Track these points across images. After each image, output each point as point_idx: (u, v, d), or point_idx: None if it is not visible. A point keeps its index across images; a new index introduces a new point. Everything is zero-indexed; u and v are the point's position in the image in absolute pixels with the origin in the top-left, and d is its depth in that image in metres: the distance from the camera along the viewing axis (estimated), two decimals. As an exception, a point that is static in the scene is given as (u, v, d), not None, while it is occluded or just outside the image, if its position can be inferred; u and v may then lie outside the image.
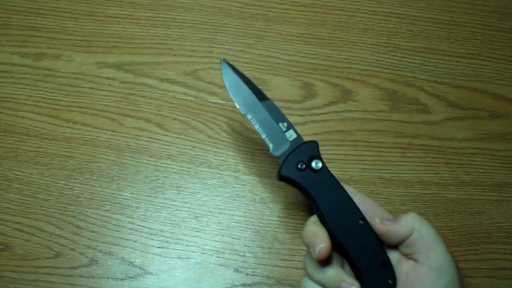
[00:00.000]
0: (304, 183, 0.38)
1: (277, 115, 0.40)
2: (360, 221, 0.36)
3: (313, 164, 0.38)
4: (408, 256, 0.36)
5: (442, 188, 0.48)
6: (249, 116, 0.40)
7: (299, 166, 0.38)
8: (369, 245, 0.36)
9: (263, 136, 0.40)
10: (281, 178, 0.39)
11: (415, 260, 0.36)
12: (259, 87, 0.51)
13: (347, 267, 0.38)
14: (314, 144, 0.39)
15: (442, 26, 0.54)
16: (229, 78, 0.41)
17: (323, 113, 0.50)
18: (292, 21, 0.53)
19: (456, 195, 0.48)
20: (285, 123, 0.40)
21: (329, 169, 0.38)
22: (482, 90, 0.52)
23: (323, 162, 0.38)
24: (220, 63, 0.41)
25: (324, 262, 0.36)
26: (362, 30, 0.53)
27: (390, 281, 0.35)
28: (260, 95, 0.41)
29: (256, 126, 0.40)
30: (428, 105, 0.51)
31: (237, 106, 0.41)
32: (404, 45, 0.53)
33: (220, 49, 0.52)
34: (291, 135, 0.40)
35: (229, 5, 0.54)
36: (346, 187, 0.39)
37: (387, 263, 0.36)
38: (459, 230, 0.46)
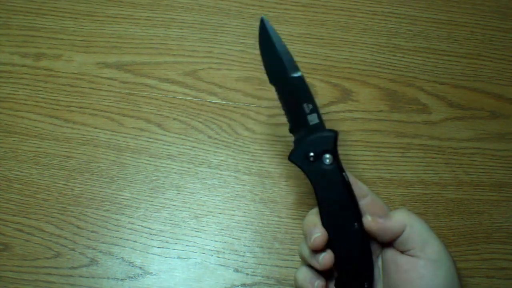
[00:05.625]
0: (310, 174, 0.37)
1: (304, 94, 0.37)
2: (354, 225, 0.36)
3: (324, 158, 0.36)
4: (404, 252, 0.36)
5: (442, 188, 0.48)
6: (275, 87, 0.38)
7: (310, 156, 0.36)
8: (355, 250, 0.36)
9: (285, 111, 0.38)
10: (290, 161, 0.37)
11: (411, 256, 0.36)
12: (258, 87, 0.51)
13: None
14: (332, 136, 0.36)
15: (442, 26, 0.54)
16: (264, 41, 0.38)
17: (323, 113, 0.50)
18: (292, 21, 0.53)
19: (456, 195, 0.48)
20: (310, 105, 0.37)
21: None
22: (482, 90, 0.52)
23: (335, 158, 0.36)
24: (259, 20, 0.38)
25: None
26: (362, 30, 0.53)
27: (365, 284, 0.36)
28: (292, 69, 0.37)
29: (280, 100, 0.38)
30: (428, 105, 0.51)
31: (266, 74, 0.38)
32: (404, 45, 0.53)
33: (220, 49, 0.52)
34: (313, 119, 0.37)
35: (229, 5, 0.54)
36: (361, 186, 0.38)
37: (369, 268, 0.36)
38: (459, 230, 0.46)
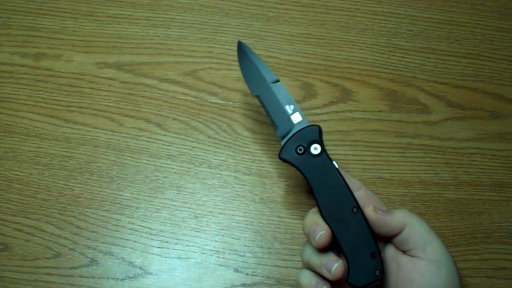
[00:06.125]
0: (301, 166, 0.39)
1: (285, 98, 0.41)
2: (353, 209, 0.37)
3: (312, 148, 0.39)
4: (405, 252, 0.37)
5: (442, 188, 0.48)
6: (259, 97, 0.42)
7: (298, 150, 0.39)
8: (359, 234, 0.36)
9: (271, 117, 0.41)
10: (281, 159, 0.39)
11: (413, 256, 0.36)
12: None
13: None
14: (316, 129, 0.39)
15: (442, 26, 0.54)
16: (243, 61, 0.43)
17: (323, 113, 0.50)
18: (292, 21, 0.53)
19: (456, 195, 0.48)
20: (291, 106, 0.41)
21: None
22: (482, 90, 0.52)
23: (323, 147, 0.39)
24: (236, 44, 0.43)
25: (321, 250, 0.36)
26: (362, 30, 0.53)
27: (377, 272, 0.36)
28: (271, 77, 0.42)
29: (265, 107, 0.41)
30: (428, 105, 0.51)
31: (249, 87, 0.42)
32: (403, 45, 0.53)
33: (220, 49, 0.52)
34: (296, 118, 0.40)
35: (229, 5, 0.54)
36: (352, 179, 0.39)
37: (376, 255, 0.36)
38: (459, 230, 0.46)
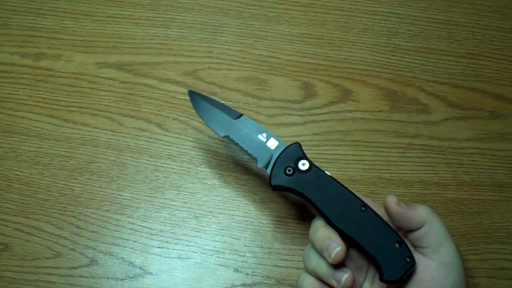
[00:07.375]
0: (296, 186, 0.38)
1: (255, 128, 0.40)
2: (361, 208, 0.36)
3: (300, 165, 0.38)
4: (417, 249, 0.36)
5: (442, 188, 0.48)
6: (228, 137, 0.41)
7: (287, 171, 0.38)
8: (377, 229, 0.36)
9: (247, 152, 0.40)
10: (274, 188, 0.39)
11: (424, 255, 0.36)
12: (258, 87, 0.51)
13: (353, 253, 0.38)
14: (297, 146, 0.39)
15: (442, 26, 0.54)
16: (200, 107, 0.42)
17: (323, 113, 0.50)
18: (292, 21, 0.53)
19: (456, 195, 0.48)
20: (264, 134, 0.40)
21: (329, 169, 0.38)
22: (482, 90, 0.52)
23: (309, 161, 0.38)
24: (188, 95, 0.43)
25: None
26: (362, 30, 0.53)
27: (407, 259, 0.35)
28: (233, 114, 0.41)
29: (238, 145, 0.40)
30: (428, 105, 0.51)
31: (215, 131, 0.41)
32: (404, 45, 0.53)
33: (220, 49, 0.52)
34: (272, 143, 0.40)
35: (229, 5, 0.54)
36: None
37: (400, 242, 0.35)
38: (459, 230, 0.46)
